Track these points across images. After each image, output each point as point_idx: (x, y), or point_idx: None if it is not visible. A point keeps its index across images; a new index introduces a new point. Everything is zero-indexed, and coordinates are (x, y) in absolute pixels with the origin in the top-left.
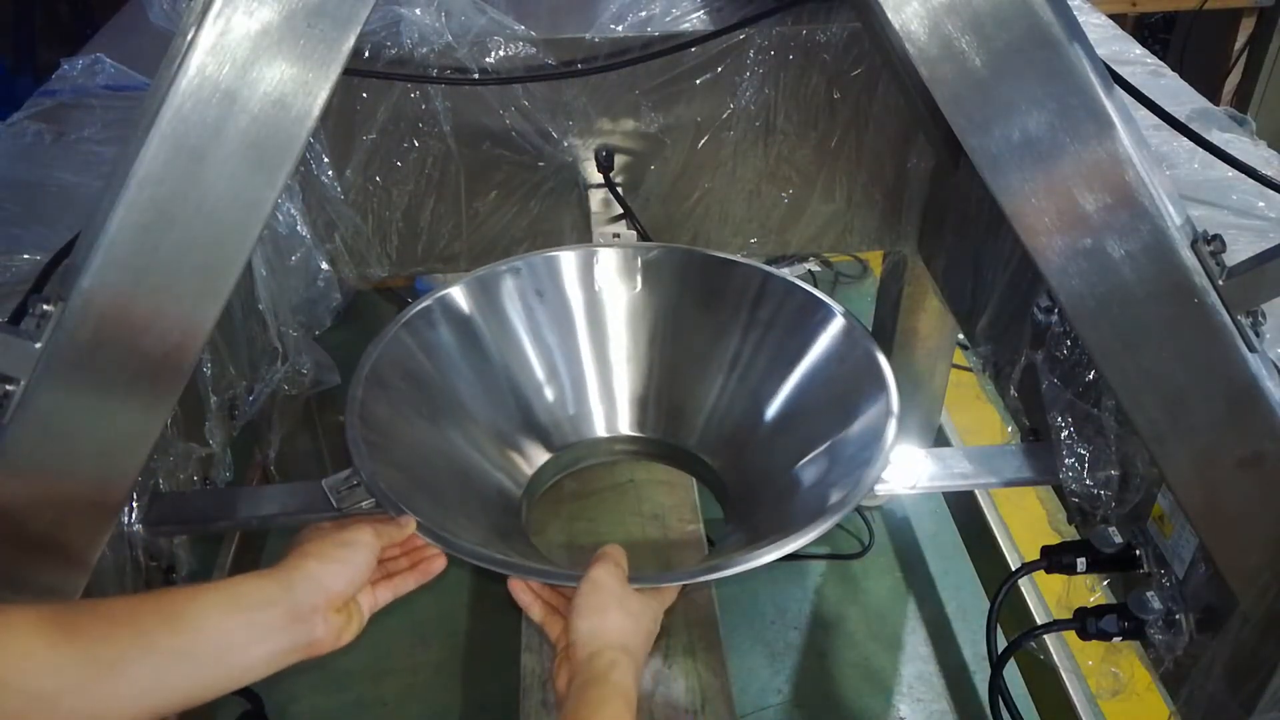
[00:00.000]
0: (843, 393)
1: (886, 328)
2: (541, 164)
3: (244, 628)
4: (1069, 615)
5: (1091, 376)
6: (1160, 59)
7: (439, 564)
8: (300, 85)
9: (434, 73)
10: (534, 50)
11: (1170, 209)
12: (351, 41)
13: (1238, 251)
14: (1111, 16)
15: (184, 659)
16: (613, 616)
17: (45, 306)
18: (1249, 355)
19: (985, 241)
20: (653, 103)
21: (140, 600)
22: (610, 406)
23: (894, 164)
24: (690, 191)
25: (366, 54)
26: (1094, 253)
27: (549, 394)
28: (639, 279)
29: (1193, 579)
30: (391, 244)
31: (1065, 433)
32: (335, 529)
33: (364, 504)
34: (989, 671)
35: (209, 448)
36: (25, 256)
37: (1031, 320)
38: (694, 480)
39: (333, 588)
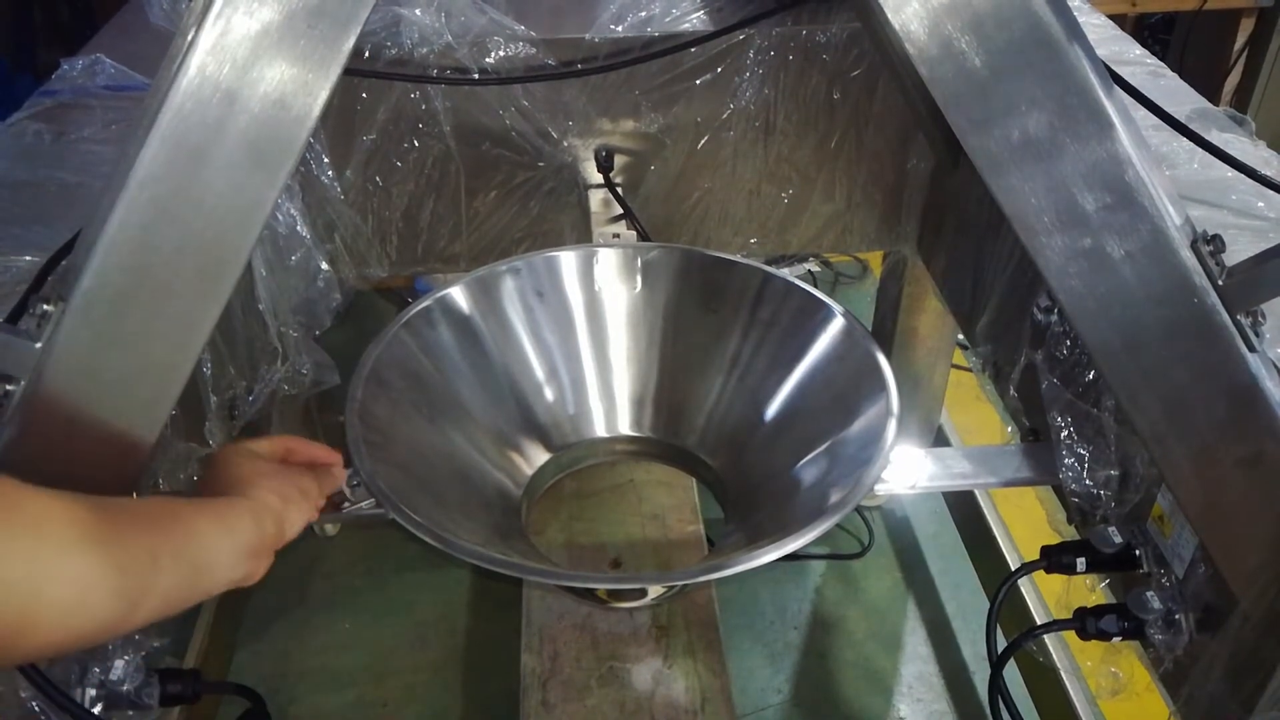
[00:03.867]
0: (843, 393)
1: (886, 328)
2: (541, 164)
3: (229, 552)
4: (1069, 615)
5: (1091, 376)
6: (1160, 59)
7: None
8: (300, 85)
9: (434, 73)
10: (534, 50)
11: (1170, 209)
12: (351, 42)
13: (1238, 251)
14: (1111, 17)
15: (189, 572)
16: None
17: (45, 306)
18: (1249, 355)
19: (985, 241)
20: (652, 103)
21: (155, 507)
22: (610, 406)
23: (894, 164)
24: (690, 191)
25: (366, 54)
26: (1094, 253)
27: (549, 394)
28: (639, 279)
29: (1193, 579)
30: (391, 244)
31: (1065, 433)
32: (279, 469)
33: (364, 504)
34: (989, 671)
35: (209, 448)
36: (26, 257)
37: (1031, 320)
38: (694, 480)
39: (290, 535)
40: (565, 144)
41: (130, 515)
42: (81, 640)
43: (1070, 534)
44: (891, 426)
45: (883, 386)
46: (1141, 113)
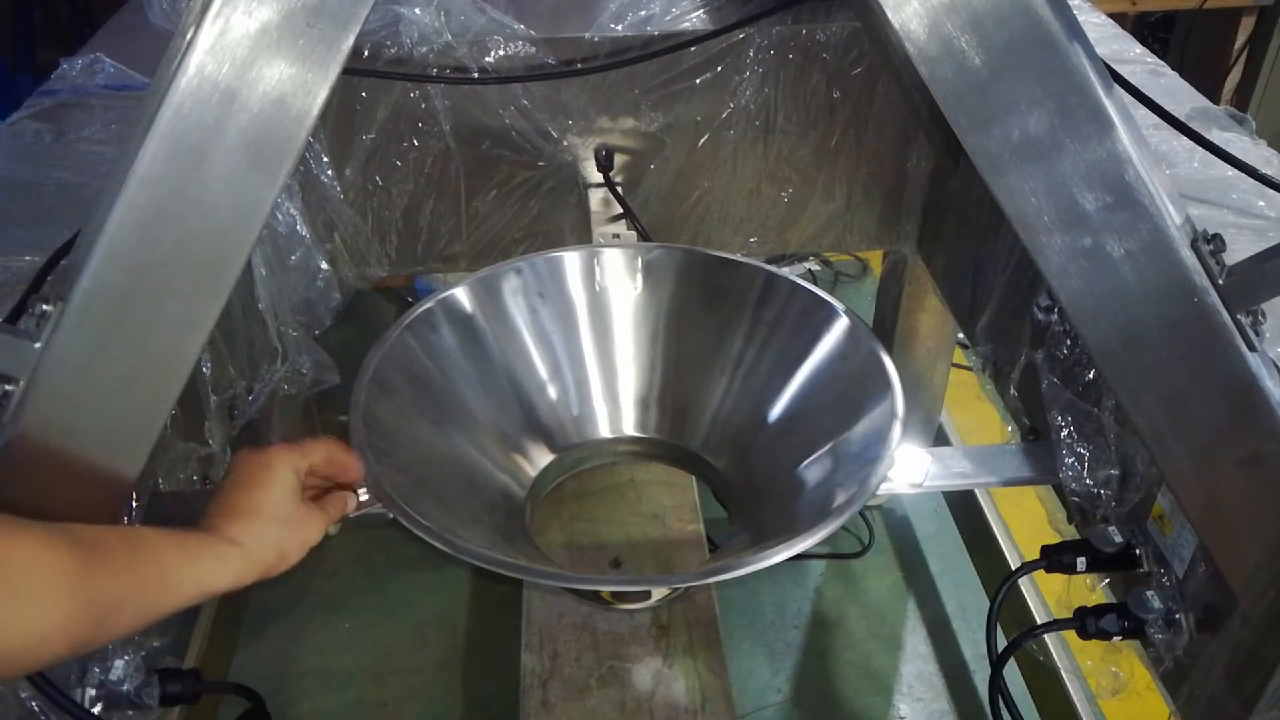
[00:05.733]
0: (847, 392)
1: (886, 327)
2: (541, 163)
3: (198, 597)
4: (1069, 615)
5: (1091, 376)
6: (1160, 58)
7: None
8: (300, 85)
9: (434, 72)
10: (534, 50)
11: (1170, 208)
12: (351, 41)
13: (1238, 251)
14: (1111, 15)
15: (155, 613)
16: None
17: (45, 306)
18: (1249, 355)
19: (985, 241)
20: (652, 102)
21: (136, 552)
22: (614, 407)
23: (894, 164)
24: (690, 191)
25: (366, 53)
26: (1094, 253)
27: (552, 395)
28: (641, 279)
29: (1193, 578)
30: (391, 244)
31: (1065, 432)
32: (295, 510)
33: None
34: (989, 671)
35: (209, 448)
36: (26, 257)
37: (1031, 320)
38: (694, 480)
39: (292, 560)
40: (565, 143)
41: (113, 562)
42: (38, 667)
43: (1070, 533)
44: (896, 427)
45: (887, 386)
46: (1141, 111)
